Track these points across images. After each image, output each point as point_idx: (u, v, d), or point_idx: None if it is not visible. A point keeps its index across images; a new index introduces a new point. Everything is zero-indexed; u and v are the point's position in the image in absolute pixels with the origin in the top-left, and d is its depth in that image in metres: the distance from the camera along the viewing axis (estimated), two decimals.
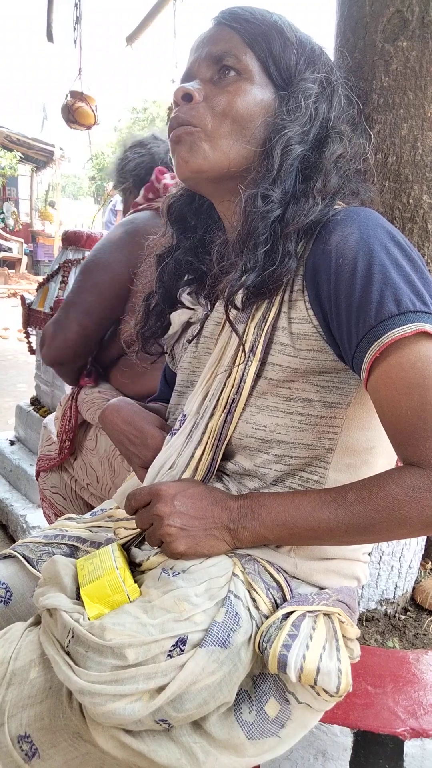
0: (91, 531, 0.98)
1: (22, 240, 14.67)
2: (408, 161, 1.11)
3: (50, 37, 4.07)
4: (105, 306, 1.45)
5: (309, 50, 0.83)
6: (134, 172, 1.60)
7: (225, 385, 0.83)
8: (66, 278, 2.40)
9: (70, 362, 1.54)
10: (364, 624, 1.27)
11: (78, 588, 0.77)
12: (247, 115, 0.80)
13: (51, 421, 1.79)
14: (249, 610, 0.73)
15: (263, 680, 0.73)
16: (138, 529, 0.86)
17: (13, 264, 14.06)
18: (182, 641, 0.68)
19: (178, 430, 0.88)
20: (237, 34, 0.82)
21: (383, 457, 0.84)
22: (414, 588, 1.35)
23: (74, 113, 4.43)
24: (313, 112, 0.80)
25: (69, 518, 1.05)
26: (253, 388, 0.80)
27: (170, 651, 0.67)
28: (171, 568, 0.77)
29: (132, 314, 1.33)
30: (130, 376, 1.52)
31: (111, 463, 1.58)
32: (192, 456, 0.84)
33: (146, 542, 0.83)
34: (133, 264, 1.39)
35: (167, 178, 1.50)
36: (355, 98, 0.87)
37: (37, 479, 1.85)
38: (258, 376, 0.80)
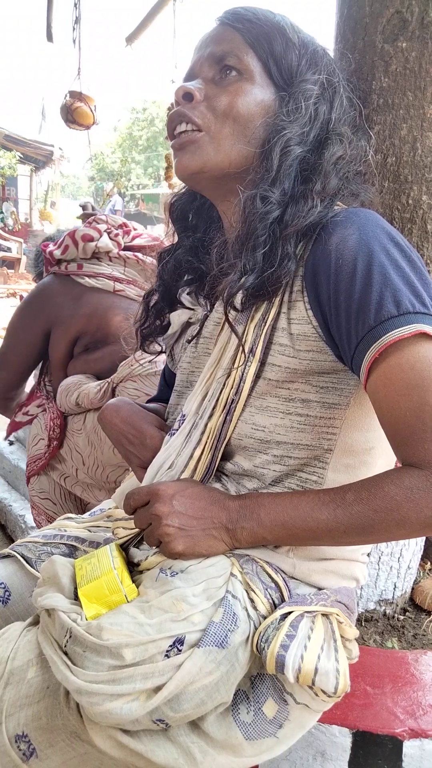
0: (89, 531, 0.98)
1: (22, 240, 14.65)
2: (407, 162, 1.11)
3: (50, 37, 4.06)
4: (22, 361, 1.82)
5: (311, 51, 0.84)
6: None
7: (224, 385, 0.82)
8: None
9: (2, 406, 1.92)
10: (363, 624, 1.27)
11: (76, 588, 0.77)
12: (248, 116, 0.80)
13: (37, 423, 1.86)
14: (247, 610, 0.73)
15: (261, 681, 0.73)
16: (136, 529, 0.86)
17: (12, 264, 14.05)
18: (179, 641, 0.68)
19: (177, 430, 0.88)
20: (239, 34, 0.82)
21: (382, 458, 0.84)
22: (413, 588, 1.35)
23: (73, 113, 4.42)
24: (313, 114, 0.80)
25: (68, 518, 1.05)
26: (252, 388, 0.80)
27: (167, 651, 0.67)
28: (169, 568, 0.77)
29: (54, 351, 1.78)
30: (86, 361, 1.77)
31: (98, 433, 1.65)
32: (191, 456, 0.84)
33: (145, 542, 0.82)
34: (40, 320, 1.77)
35: (50, 246, 1.85)
36: (357, 100, 0.87)
37: (27, 484, 1.88)
38: (257, 376, 0.80)
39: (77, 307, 1.73)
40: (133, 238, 1.84)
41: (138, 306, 1.61)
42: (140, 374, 1.61)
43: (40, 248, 2.00)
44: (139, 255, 1.81)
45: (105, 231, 1.80)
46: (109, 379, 1.63)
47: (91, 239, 1.75)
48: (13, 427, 1.97)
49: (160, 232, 1.86)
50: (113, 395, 1.61)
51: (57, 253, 1.78)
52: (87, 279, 1.75)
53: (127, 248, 1.84)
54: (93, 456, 1.67)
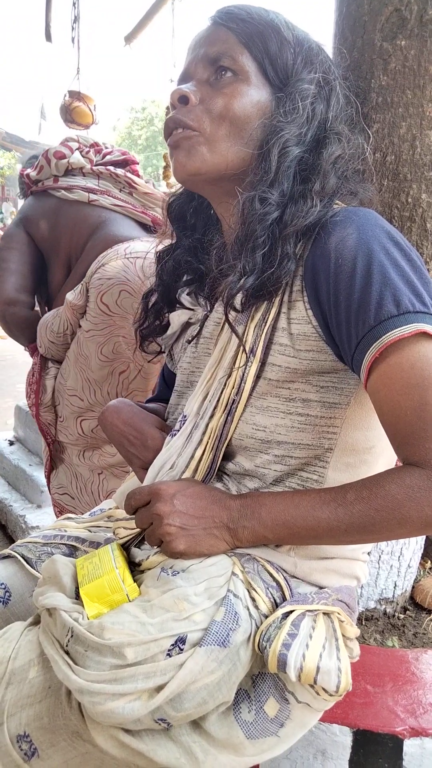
0: (90, 531, 0.98)
1: None
2: (407, 160, 1.11)
3: (48, 37, 4.05)
4: (23, 268, 1.85)
5: (306, 49, 0.83)
6: None
7: (225, 385, 0.82)
8: None
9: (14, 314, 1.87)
10: (364, 623, 1.27)
11: (77, 587, 0.77)
12: (244, 117, 0.80)
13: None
14: (248, 609, 0.73)
15: (262, 679, 0.73)
16: (137, 529, 0.86)
17: None
18: (181, 640, 0.68)
19: (178, 430, 0.88)
20: (233, 34, 0.81)
21: (383, 456, 0.84)
22: (413, 587, 1.35)
23: (72, 113, 4.41)
24: (310, 113, 0.80)
25: (68, 518, 1.05)
26: (253, 388, 0.80)
27: (169, 650, 0.67)
28: (170, 568, 0.77)
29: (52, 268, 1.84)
30: (69, 284, 1.84)
31: (84, 353, 1.69)
32: (192, 456, 0.84)
33: (146, 542, 0.83)
34: (32, 245, 1.85)
35: (27, 170, 1.91)
36: (354, 97, 0.87)
37: (48, 485, 1.92)
38: (258, 376, 0.80)
39: (57, 225, 1.81)
40: (104, 156, 1.91)
41: (110, 214, 1.75)
42: (104, 264, 1.65)
43: (19, 174, 2.08)
44: (112, 168, 1.86)
45: (76, 149, 1.86)
46: (82, 282, 1.69)
47: (63, 156, 1.82)
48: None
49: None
50: (87, 293, 1.66)
51: (33, 174, 1.86)
52: (63, 192, 1.82)
53: (99, 165, 1.90)
54: (85, 383, 1.71)
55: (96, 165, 1.87)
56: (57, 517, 1.93)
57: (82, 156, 1.86)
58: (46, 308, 1.94)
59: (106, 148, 1.95)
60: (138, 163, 1.94)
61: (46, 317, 1.80)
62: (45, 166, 1.84)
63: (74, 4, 4.02)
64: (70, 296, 1.68)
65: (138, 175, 1.92)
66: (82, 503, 1.82)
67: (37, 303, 1.97)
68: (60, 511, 1.89)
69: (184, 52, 0.88)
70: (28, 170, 1.91)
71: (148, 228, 1.88)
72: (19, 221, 1.89)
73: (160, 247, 1.02)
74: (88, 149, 1.89)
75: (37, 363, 1.84)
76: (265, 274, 0.76)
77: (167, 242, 1.01)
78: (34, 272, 1.87)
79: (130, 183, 1.85)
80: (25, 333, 1.89)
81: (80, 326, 1.69)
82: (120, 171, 1.86)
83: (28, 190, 1.91)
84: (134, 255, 1.64)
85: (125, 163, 1.91)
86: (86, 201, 1.80)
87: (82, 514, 1.81)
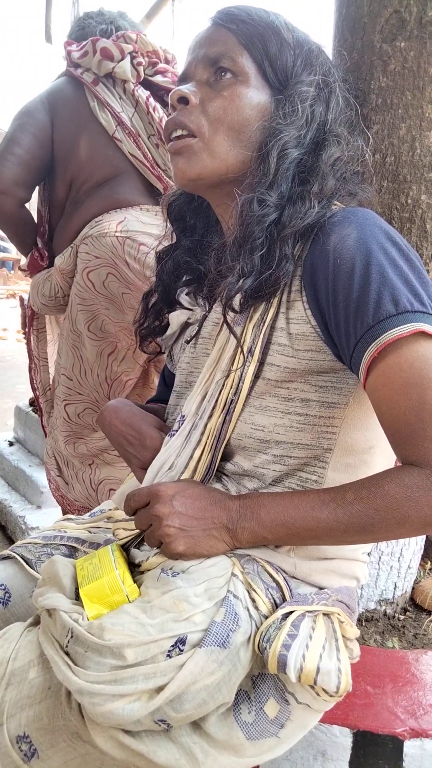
0: (89, 532, 0.98)
1: None
2: (406, 161, 1.11)
3: (48, 38, 4.06)
4: (28, 157, 1.67)
5: (306, 51, 0.83)
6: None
7: (223, 386, 0.83)
8: None
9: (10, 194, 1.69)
10: (364, 624, 1.27)
11: (77, 588, 0.77)
12: (244, 120, 0.80)
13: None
14: (248, 610, 0.73)
15: (263, 680, 0.73)
16: (137, 530, 0.86)
17: (11, 264, 14.03)
18: (181, 641, 0.68)
19: (176, 431, 0.88)
20: (233, 35, 0.81)
21: (382, 456, 0.84)
22: (413, 588, 1.35)
23: None
24: (309, 116, 0.80)
25: (68, 519, 1.05)
26: (251, 388, 0.80)
27: (169, 651, 0.67)
28: (170, 569, 0.77)
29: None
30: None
31: (76, 330, 1.68)
32: (191, 457, 0.84)
33: (145, 543, 0.83)
34: (47, 123, 1.67)
35: (73, 46, 1.71)
36: (353, 100, 0.87)
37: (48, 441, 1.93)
38: (256, 376, 0.80)
39: (76, 143, 1.65)
40: (156, 73, 1.73)
41: (123, 168, 1.68)
42: (92, 235, 1.61)
43: (90, 22, 1.88)
44: (151, 102, 1.69)
45: (129, 53, 1.66)
46: (72, 244, 1.65)
47: (111, 57, 1.64)
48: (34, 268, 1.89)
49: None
50: (76, 256, 1.63)
51: (75, 55, 1.69)
52: (97, 103, 1.66)
53: (146, 83, 1.72)
54: (77, 361, 1.70)
55: (143, 80, 1.67)
56: (50, 485, 1.94)
57: (132, 65, 1.65)
58: (48, 215, 1.80)
59: (167, 60, 1.73)
60: None
61: (36, 278, 1.75)
62: (89, 54, 1.63)
63: (74, 5, 4.03)
64: (58, 261, 1.65)
65: None
66: (75, 491, 1.83)
67: (39, 202, 1.82)
68: (55, 488, 1.90)
69: (184, 54, 0.89)
70: (74, 46, 1.70)
71: (155, 194, 1.73)
72: (46, 99, 1.68)
73: (160, 247, 1.02)
74: (141, 60, 1.67)
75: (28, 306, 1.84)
76: (264, 275, 0.76)
77: (166, 242, 1.02)
78: (40, 169, 1.68)
79: (161, 133, 1.67)
80: (9, 227, 1.75)
81: (70, 296, 1.68)
82: (158, 114, 1.67)
83: (67, 67, 1.71)
84: (124, 234, 1.58)
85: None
86: (110, 134, 1.64)
87: (76, 499, 1.83)
